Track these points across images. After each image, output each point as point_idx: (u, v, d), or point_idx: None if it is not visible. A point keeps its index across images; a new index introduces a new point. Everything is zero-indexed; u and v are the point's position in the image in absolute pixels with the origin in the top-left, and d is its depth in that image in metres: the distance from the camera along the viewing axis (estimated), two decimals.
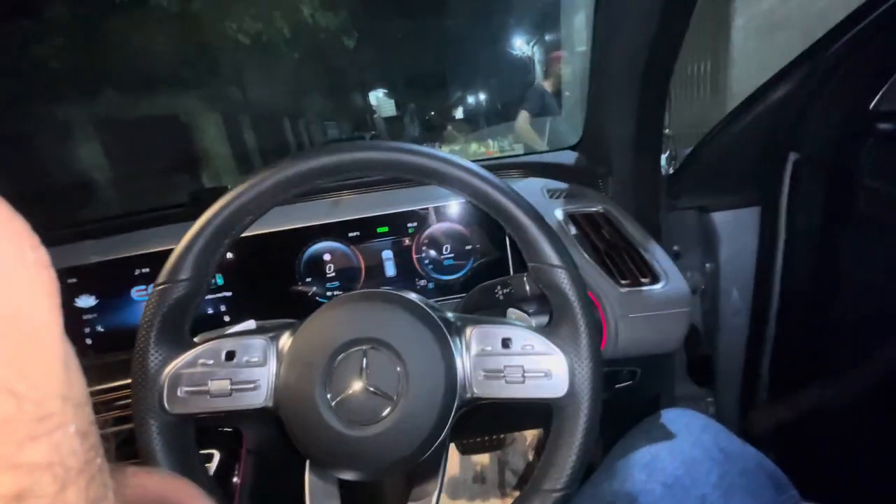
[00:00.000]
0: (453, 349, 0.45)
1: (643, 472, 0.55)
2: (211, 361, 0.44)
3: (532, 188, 0.82)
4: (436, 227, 0.74)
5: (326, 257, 0.73)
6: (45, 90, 4.50)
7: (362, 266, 0.74)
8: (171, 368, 0.43)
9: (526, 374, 0.44)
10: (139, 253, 0.71)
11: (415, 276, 0.75)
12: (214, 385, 0.43)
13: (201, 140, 6.13)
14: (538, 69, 6.14)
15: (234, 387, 0.44)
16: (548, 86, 2.85)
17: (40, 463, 0.17)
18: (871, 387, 0.74)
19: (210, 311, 0.73)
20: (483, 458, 1.42)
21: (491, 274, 0.71)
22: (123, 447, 0.38)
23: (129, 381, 0.43)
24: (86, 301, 0.70)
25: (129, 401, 0.43)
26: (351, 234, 0.73)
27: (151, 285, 0.45)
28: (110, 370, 0.65)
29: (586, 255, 0.68)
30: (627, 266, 0.67)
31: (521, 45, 6.94)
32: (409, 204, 0.74)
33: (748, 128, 0.82)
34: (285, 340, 0.46)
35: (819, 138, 0.75)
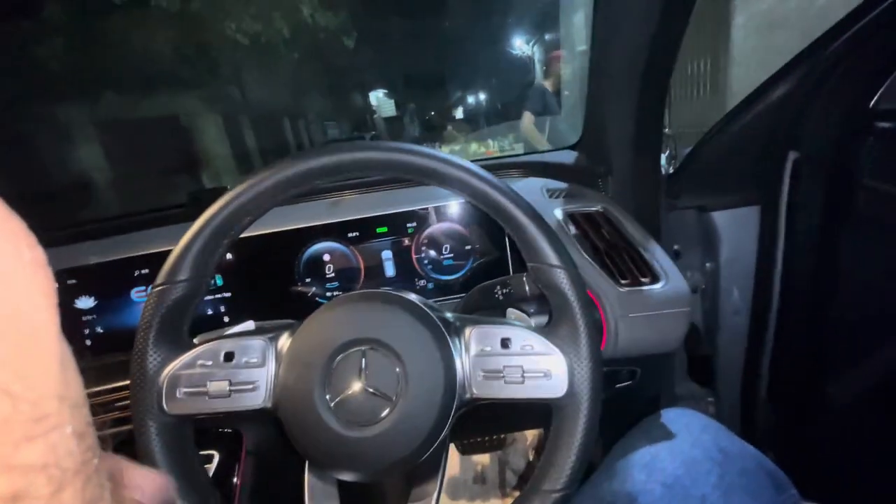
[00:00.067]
0: (452, 349, 0.45)
1: (643, 472, 0.55)
2: (210, 362, 0.44)
3: (532, 188, 0.82)
4: (435, 228, 0.74)
5: (326, 258, 0.73)
6: (44, 90, 4.49)
7: (362, 266, 0.74)
8: (169, 369, 0.43)
9: (525, 375, 0.44)
10: (138, 254, 0.71)
11: (414, 276, 0.75)
12: (213, 386, 0.43)
13: (201, 140, 6.13)
14: (538, 69, 6.14)
15: (233, 388, 0.43)
16: (549, 85, 2.85)
17: (36, 464, 0.17)
18: (871, 386, 0.74)
19: (209, 311, 0.73)
20: (484, 459, 1.41)
21: (490, 274, 0.71)
22: (122, 448, 0.38)
23: (127, 382, 0.43)
24: (85, 302, 0.70)
25: (128, 402, 0.43)
26: (350, 235, 0.73)
27: (150, 286, 0.45)
28: (109, 371, 0.65)
29: (586, 255, 0.68)
30: (627, 266, 0.67)
31: (520, 44, 6.94)
32: (408, 204, 0.73)
33: (748, 127, 0.81)
34: (284, 341, 0.46)
35: (818, 137, 0.75)
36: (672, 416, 0.63)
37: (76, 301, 0.70)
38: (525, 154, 1.24)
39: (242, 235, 0.49)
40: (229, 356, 0.44)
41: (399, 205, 0.74)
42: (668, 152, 0.92)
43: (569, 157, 0.97)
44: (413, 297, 0.49)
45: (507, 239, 0.74)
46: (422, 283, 0.75)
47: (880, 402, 0.72)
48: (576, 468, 0.42)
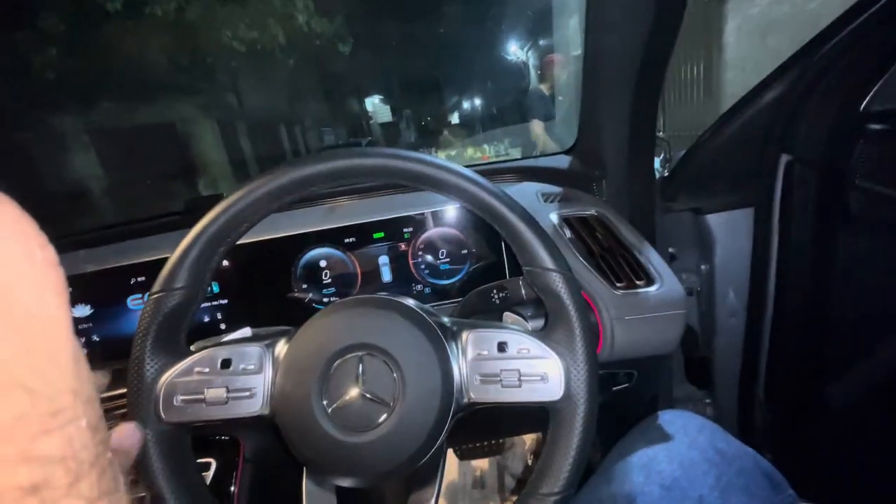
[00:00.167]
0: (449, 354, 0.45)
1: (641, 474, 0.55)
2: (207, 370, 0.44)
3: (526, 192, 0.83)
4: (432, 232, 0.74)
5: (322, 264, 0.73)
6: (41, 99, 4.49)
7: (358, 272, 0.74)
8: (166, 377, 0.43)
9: (522, 378, 0.44)
10: (135, 262, 0.71)
11: (411, 281, 0.75)
12: (210, 393, 0.43)
13: (198, 148, 6.14)
14: (533, 73, 6.17)
15: (231, 395, 0.43)
16: (548, 90, 2.89)
17: (54, 456, 0.17)
18: (868, 386, 0.74)
19: (206, 318, 0.73)
20: (482, 463, 1.41)
21: (487, 278, 0.71)
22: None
23: (124, 390, 0.43)
24: (81, 310, 0.70)
25: (125, 410, 0.43)
26: (347, 240, 0.73)
27: (147, 294, 0.45)
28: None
29: (581, 259, 0.68)
30: (622, 268, 0.68)
31: (515, 50, 6.97)
32: (404, 209, 0.74)
33: (741, 130, 0.82)
34: (281, 348, 0.46)
35: (811, 139, 0.76)
36: (669, 418, 0.63)
37: (72, 309, 0.69)
38: (520, 159, 1.25)
39: (239, 242, 0.49)
40: (226, 363, 0.44)
41: (395, 210, 0.74)
42: (662, 156, 0.93)
43: (563, 161, 0.97)
44: (410, 301, 0.49)
45: (503, 243, 0.74)
46: (419, 287, 0.75)
47: (877, 402, 0.73)
48: (573, 471, 0.42)
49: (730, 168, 0.87)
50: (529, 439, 1.39)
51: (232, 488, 0.63)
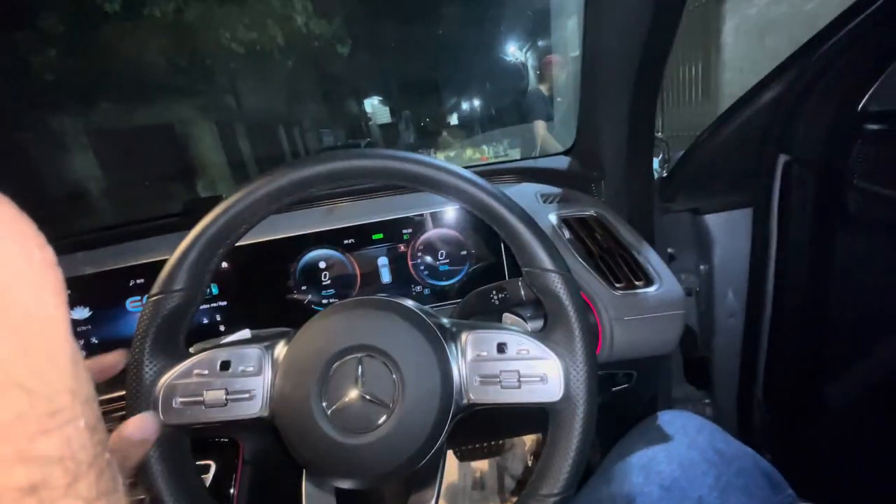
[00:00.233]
0: (449, 355, 0.45)
1: (640, 474, 0.55)
2: (206, 372, 0.44)
3: (525, 193, 0.83)
4: (431, 233, 0.74)
5: (322, 265, 0.73)
6: (39, 100, 4.49)
7: (358, 273, 0.74)
8: (165, 379, 0.43)
9: (522, 379, 0.44)
10: (134, 264, 0.71)
11: (410, 282, 0.75)
12: (209, 395, 0.43)
13: (197, 149, 6.14)
14: (532, 75, 6.18)
15: (230, 397, 0.43)
16: (547, 91, 2.89)
17: (52, 456, 0.17)
18: (867, 385, 0.74)
19: (205, 320, 0.72)
20: (482, 465, 1.41)
21: (486, 279, 0.71)
22: None
23: (123, 392, 0.43)
24: (80, 312, 0.70)
25: (124, 413, 0.43)
26: (346, 242, 0.73)
27: (146, 296, 0.45)
28: (105, 382, 0.64)
29: (580, 259, 0.68)
30: (621, 269, 0.68)
31: (514, 51, 6.98)
32: (403, 210, 0.74)
33: (739, 130, 0.82)
34: (280, 349, 0.46)
35: (809, 140, 0.76)
36: (668, 419, 0.63)
37: (71, 311, 0.69)
38: (519, 160, 1.25)
39: (238, 244, 0.49)
40: (225, 365, 0.44)
41: (394, 211, 0.74)
42: (660, 156, 0.93)
43: (562, 162, 0.97)
44: (409, 303, 0.49)
45: (502, 244, 0.74)
46: (418, 288, 0.75)
47: (876, 402, 0.73)
48: (573, 472, 0.42)
49: (728, 168, 0.87)
50: (529, 440, 1.39)
51: (231, 490, 0.63)
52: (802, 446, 0.87)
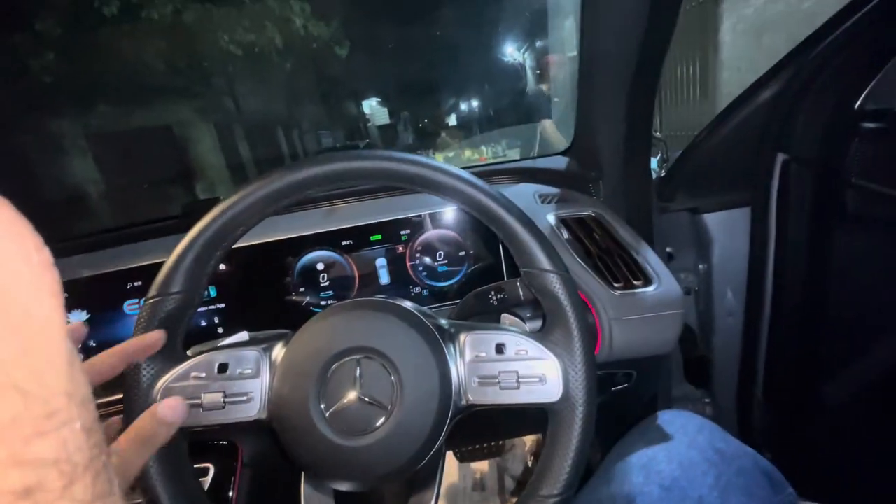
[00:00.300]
0: (447, 356, 0.45)
1: (640, 474, 0.55)
2: (203, 374, 0.44)
3: (523, 193, 0.83)
4: (429, 234, 0.74)
5: (320, 266, 0.73)
6: (37, 102, 4.48)
7: (356, 274, 0.74)
8: (163, 382, 0.43)
9: (520, 380, 0.44)
10: (131, 266, 0.70)
11: (409, 283, 0.75)
12: (207, 398, 0.43)
13: (195, 151, 6.13)
14: (529, 75, 6.18)
15: (228, 399, 0.43)
16: (544, 91, 2.90)
17: (47, 459, 0.17)
18: (866, 384, 0.74)
19: (203, 323, 0.72)
20: (482, 466, 1.41)
21: (485, 279, 0.71)
22: None
23: (121, 395, 0.43)
24: (77, 316, 0.70)
25: (122, 416, 0.43)
26: (344, 243, 0.73)
27: (143, 299, 0.45)
28: (102, 385, 0.64)
29: (579, 259, 0.68)
30: (620, 269, 0.68)
31: (512, 51, 6.99)
32: (401, 211, 0.74)
33: (737, 129, 0.82)
34: (278, 351, 0.45)
35: (806, 138, 0.76)
36: (668, 418, 0.63)
37: (68, 315, 0.69)
38: (517, 160, 1.25)
39: (236, 246, 0.48)
40: (223, 367, 0.44)
41: (392, 212, 0.74)
42: (659, 156, 0.93)
43: (560, 162, 0.97)
44: (407, 304, 0.49)
45: (500, 245, 0.74)
46: (416, 290, 0.75)
47: (875, 401, 0.73)
48: (573, 472, 0.42)
49: (726, 167, 0.87)
50: (529, 441, 1.39)
51: (230, 493, 0.63)
52: (802, 445, 0.87)
